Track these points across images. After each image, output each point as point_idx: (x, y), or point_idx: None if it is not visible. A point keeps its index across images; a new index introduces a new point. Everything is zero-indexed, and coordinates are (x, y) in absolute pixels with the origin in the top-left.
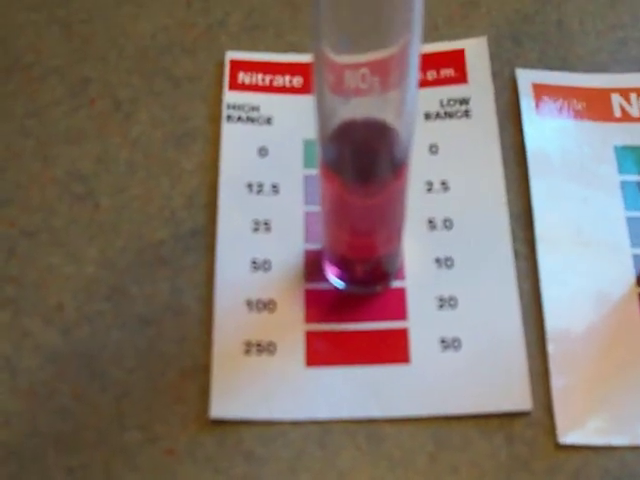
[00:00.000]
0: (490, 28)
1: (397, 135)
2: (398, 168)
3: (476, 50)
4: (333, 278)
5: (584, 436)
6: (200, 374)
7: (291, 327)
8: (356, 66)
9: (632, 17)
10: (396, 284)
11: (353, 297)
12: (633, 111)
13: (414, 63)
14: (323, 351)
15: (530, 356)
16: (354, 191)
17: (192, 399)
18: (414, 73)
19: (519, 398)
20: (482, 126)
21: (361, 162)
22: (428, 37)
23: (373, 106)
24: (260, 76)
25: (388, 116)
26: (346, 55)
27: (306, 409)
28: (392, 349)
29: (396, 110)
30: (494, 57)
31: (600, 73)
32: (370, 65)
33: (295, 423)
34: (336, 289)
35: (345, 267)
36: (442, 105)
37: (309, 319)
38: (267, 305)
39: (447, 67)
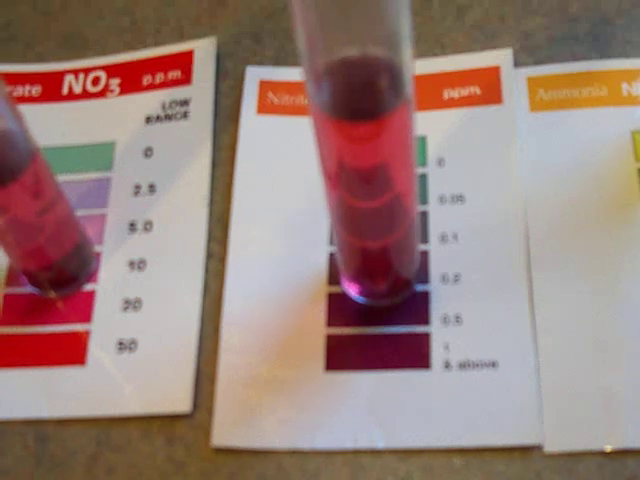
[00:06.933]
0: (233, 27)
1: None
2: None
3: (205, 50)
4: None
5: (239, 439)
6: None
7: None
8: None
9: None
10: (88, 287)
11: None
12: None
13: None
14: None
15: (204, 358)
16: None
17: None
18: None
19: (180, 400)
20: (198, 127)
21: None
22: (168, 39)
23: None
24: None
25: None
26: None
27: None
28: (70, 351)
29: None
30: (231, 56)
31: None
32: None
33: None
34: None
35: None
36: (164, 108)
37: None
38: None
39: (175, 69)
